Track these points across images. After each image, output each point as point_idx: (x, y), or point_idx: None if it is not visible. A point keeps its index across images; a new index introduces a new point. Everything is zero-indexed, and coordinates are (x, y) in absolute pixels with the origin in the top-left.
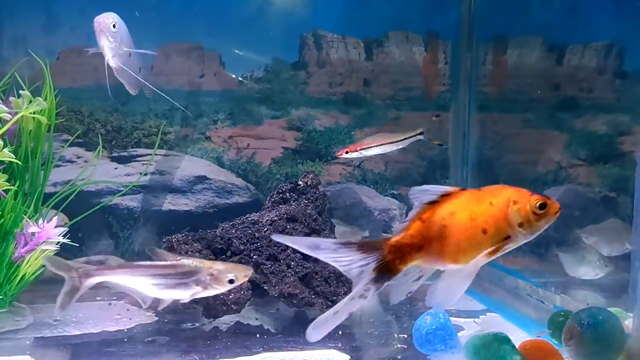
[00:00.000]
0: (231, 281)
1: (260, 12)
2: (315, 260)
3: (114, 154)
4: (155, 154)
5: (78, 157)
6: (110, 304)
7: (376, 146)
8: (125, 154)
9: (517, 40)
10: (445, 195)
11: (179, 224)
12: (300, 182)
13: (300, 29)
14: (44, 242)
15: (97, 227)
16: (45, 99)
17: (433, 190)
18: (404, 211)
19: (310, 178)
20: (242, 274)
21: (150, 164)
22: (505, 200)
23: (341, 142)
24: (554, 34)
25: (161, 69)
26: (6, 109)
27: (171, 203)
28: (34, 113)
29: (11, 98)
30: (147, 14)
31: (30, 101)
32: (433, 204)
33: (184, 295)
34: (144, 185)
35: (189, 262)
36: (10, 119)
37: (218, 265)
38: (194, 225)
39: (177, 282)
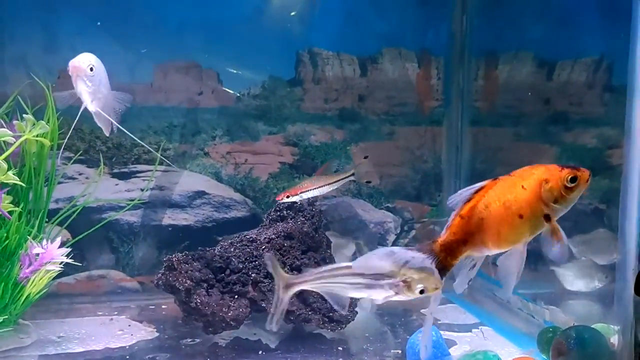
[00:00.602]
0: (422, 292)
1: (257, 31)
2: None
3: (115, 171)
4: (155, 170)
5: (80, 174)
6: (111, 319)
7: (314, 189)
8: (125, 170)
9: (508, 56)
10: (480, 189)
11: (179, 238)
12: (298, 201)
13: (296, 47)
14: (48, 262)
15: (98, 242)
16: (48, 122)
17: (468, 190)
18: (399, 224)
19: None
20: (432, 286)
21: (152, 179)
22: (537, 182)
23: (337, 157)
24: (544, 50)
25: (160, 87)
26: (10, 132)
27: (171, 218)
28: (37, 136)
29: (15, 122)
30: (145, 33)
31: (34, 124)
32: (470, 200)
33: (379, 296)
34: (144, 201)
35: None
36: (14, 142)
37: (412, 273)
38: (194, 239)
39: (373, 284)
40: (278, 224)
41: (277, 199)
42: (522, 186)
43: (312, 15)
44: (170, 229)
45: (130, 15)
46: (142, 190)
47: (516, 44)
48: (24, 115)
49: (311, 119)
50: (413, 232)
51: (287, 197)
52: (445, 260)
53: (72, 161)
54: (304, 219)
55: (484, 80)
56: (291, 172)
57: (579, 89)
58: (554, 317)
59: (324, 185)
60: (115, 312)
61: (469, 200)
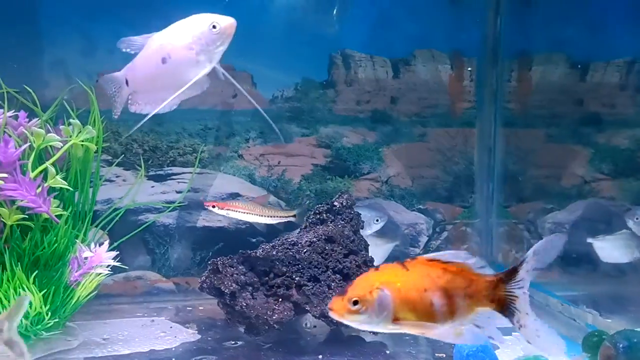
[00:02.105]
0: None
1: (290, 34)
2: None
3: (151, 173)
4: (189, 172)
5: (117, 177)
6: (152, 320)
7: (242, 212)
8: (161, 172)
9: (541, 57)
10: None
11: (213, 240)
12: (336, 203)
13: (329, 49)
14: (96, 265)
15: (135, 243)
16: (93, 126)
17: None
18: (431, 225)
19: (345, 199)
20: None
21: (191, 182)
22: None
23: (369, 159)
24: (577, 51)
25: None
26: (58, 137)
27: (205, 220)
28: (83, 140)
29: (61, 127)
30: None
31: (80, 129)
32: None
33: None
34: (183, 204)
35: None
36: (61, 147)
37: None
38: (227, 241)
39: None
40: (318, 227)
41: (205, 204)
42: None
43: (345, 18)
44: (204, 230)
45: (167, 20)
46: (182, 192)
47: (549, 45)
48: (70, 120)
49: (343, 121)
50: (445, 234)
51: (213, 207)
52: None
53: (114, 164)
54: (343, 222)
55: (517, 81)
56: (323, 174)
57: (611, 90)
58: (597, 320)
59: (254, 214)
60: (155, 314)
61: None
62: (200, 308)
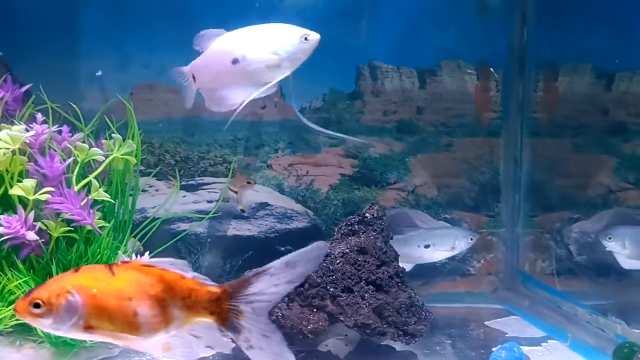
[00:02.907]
0: None
1: (318, 46)
2: (387, 291)
3: (182, 183)
4: (220, 182)
5: (150, 187)
6: None
7: None
8: (192, 182)
9: (567, 68)
10: None
11: (243, 248)
12: (367, 214)
13: (356, 61)
14: None
15: (167, 252)
16: (132, 139)
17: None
18: None
19: (375, 210)
20: None
21: (223, 193)
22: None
23: (395, 169)
24: (603, 62)
25: None
26: (100, 151)
27: (235, 229)
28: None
29: (103, 141)
30: None
31: (121, 143)
32: None
33: None
34: (209, 212)
35: None
36: (104, 160)
37: None
38: (257, 250)
39: None
40: (350, 238)
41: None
42: None
43: (372, 30)
44: (234, 239)
45: (198, 31)
46: (209, 202)
47: (575, 55)
48: (112, 135)
49: (370, 131)
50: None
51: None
52: None
53: (152, 174)
54: (374, 233)
55: (544, 92)
56: (351, 183)
57: (637, 100)
58: (626, 331)
59: None
60: None
61: None
62: None
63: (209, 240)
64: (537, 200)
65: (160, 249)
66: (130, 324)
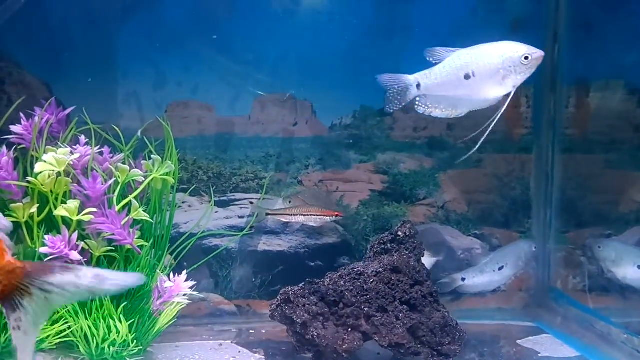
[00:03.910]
0: None
1: (349, 63)
2: (421, 311)
3: (215, 199)
4: (251, 198)
5: (183, 202)
6: (220, 344)
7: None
8: (224, 198)
9: (599, 84)
10: None
11: (273, 263)
12: (399, 233)
13: None
14: (177, 295)
15: (199, 267)
16: (170, 159)
17: None
18: (487, 250)
19: (408, 228)
20: None
21: (257, 209)
22: None
23: (425, 184)
24: (635, 78)
25: (258, 119)
26: (141, 172)
27: (266, 244)
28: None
29: (142, 162)
30: (245, 68)
31: (160, 164)
32: None
33: None
34: (241, 227)
35: None
36: (143, 180)
37: None
38: (287, 265)
39: None
40: (383, 256)
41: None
42: None
43: (402, 47)
44: (265, 254)
45: (232, 52)
46: (241, 217)
47: (607, 72)
48: (152, 156)
49: (401, 148)
50: None
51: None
52: None
53: (189, 191)
54: (407, 251)
55: (575, 108)
56: (381, 199)
57: None
58: None
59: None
60: (219, 336)
61: None
62: (262, 331)
63: (240, 255)
64: (568, 217)
65: (195, 266)
66: None
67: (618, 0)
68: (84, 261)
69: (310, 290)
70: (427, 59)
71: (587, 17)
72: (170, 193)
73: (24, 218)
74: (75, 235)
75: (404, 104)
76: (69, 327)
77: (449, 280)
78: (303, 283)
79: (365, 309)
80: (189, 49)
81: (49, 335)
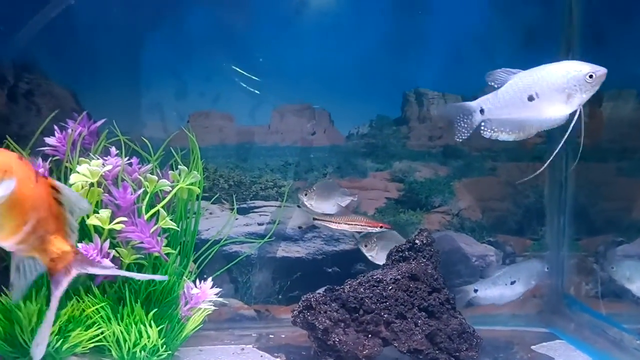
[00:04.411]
0: None
1: (366, 73)
2: (439, 318)
3: (235, 206)
4: (270, 206)
5: (204, 210)
6: (242, 348)
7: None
8: (244, 205)
9: (611, 94)
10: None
11: (291, 269)
12: (417, 241)
13: (403, 88)
14: (203, 301)
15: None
16: (196, 169)
17: None
18: (501, 257)
19: (425, 236)
20: None
21: (279, 215)
22: None
23: (440, 192)
24: None
25: (277, 128)
26: (168, 182)
27: (284, 250)
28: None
29: (169, 172)
30: (265, 80)
31: (186, 174)
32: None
33: None
34: (260, 234)
35: None
36: (170, 190)
37: None
38: (305, 271)
39: None
40: (401, 264)
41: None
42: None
43: (419, 57)
44: (283, 260)
45: (252, 63)
46: (260, 224)
47: (620, 82)
48: (179, 166)
49: (416, 156)
50: None
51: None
52: None
53: (212, 199)
54: (424, 259)
55: (588, 117)
56: (396, 206)
57: None
58: None
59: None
60: (240, 341)
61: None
62: (282, 336)
63: (259, 261)
64: (581, 224)
65: (220, 271)
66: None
67: (629, 11)
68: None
69: (332, 297)
70: (489, 83)
71: (599, 28)
72: (195, 201)
73: None
74: (107, 243)
75: (471, 131)
76: (102, 332)
77: (462, 292)
78: (324, 290)
79: (385, 316)
80: (210, 60)
81: (82, 340)
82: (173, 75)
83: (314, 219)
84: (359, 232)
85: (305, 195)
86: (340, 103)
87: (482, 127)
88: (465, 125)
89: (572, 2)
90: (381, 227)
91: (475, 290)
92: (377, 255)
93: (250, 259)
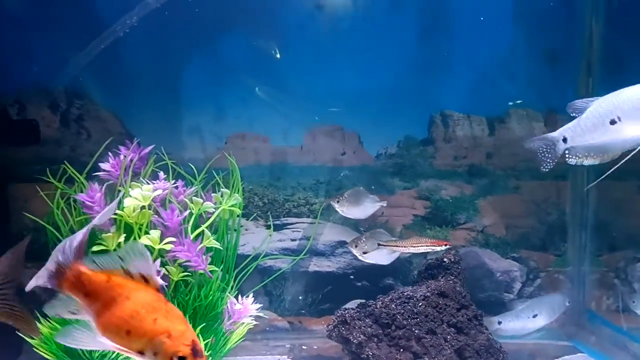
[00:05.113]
0: None
1: (394, 96)
2: (467, 334)
3: (269, 223)
4: (303, 222)
5: (240, 226)
6: (278, 359)
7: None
8: (278, 222)
9: None
10: (143, 278)
11: (322, 283)
12: (445, 259)
13: (430, 110)
14: (245, 316)
15: (255, 286)
16: (237, 191)
17: (143, 264)
18: (524, 273)
19: (452, 254)
20: None
21: (314, 232)
22: (164, 329)
23: (465, 210)
24: None
25: (309, 149)
26: (212, 204)
27: (316, 265)
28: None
29: (212, 194)
30: (297, 101)
31: (228, 197)
32: (130, 275)
33: None
34: (293, 249)
35: None
36: (214, 211)
37: None
38: (335, 284)
39: None
40: (430, 281)
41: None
42: (156, 319)
43: (444, 81)
44: (315, 275)
45: (285, 86)
46: (293, 240)
47: None
48: (221, 189)
49: (442, 175)
50: (538, 281)
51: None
52: (63, 279)
53: (250, 218)
54: (452, 277)
55: None
56: (423, 223)
57: None
58: None
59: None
60: (275, 352)
61: (129, 273)
62: (314, 347)
63: (292, 275)
64: (602, 240)
65: (257, 287)
66: None
67: None
68: (165, 285)
69: (365, 313)
70: (571, 113)
71: (618, 51)
72: (236, 224)
73: (112, 246)
74: (158, 262)
75: (556, 160)
76: None
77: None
78: (357, 305)
79: (416, 331)
80: (246, 85)
81: None
82: (211, 100)
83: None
84: (425, 253)
85: (337, 202)
86: (369, 125)
87: (567, 155)
88: (550, 155)
89: (592, 26)
90: (445, 245)
91: (499, 322)
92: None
93: (283, 273)
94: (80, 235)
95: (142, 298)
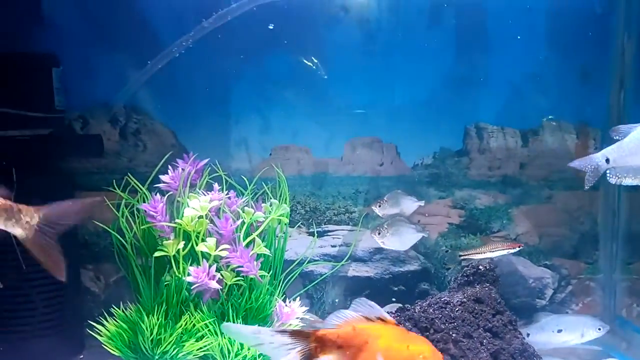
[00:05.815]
0: None
1: (430, 109)
2: (502, 338)
3: (310, 230)
4: (342, 230)
5: (282, 233)
6: None
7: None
8: (319, 229)
9: None
10: (380, 319)
11: (361, 287)
12: (480, 267)
13: (464, 122)
14: (293, 319)
15: (297, 289)
16: (285, 201)
17: (374, 310)
18: (556, 280)
19: (487, 262)
20: None
21: (355, 241)
22: (418, 351)
23: (499, 218)
24: None
25: (349, 159)
26: (262, 214)
27: (355, 270)
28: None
29: (262, 204)
30: (338, 116)
31: (277, 207)
32: (369, 320)
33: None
34: (333, 255)
35: None
36: (264, 221)
37: None
38: (373, 289)
39: None
40: (466, 287)
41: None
42: (408, 346)
43: (479, 94)
44: (354, 279)
45: (326, 100)
46: (333, 246)
47: None
48: (271, 200)
49: (477, 185)
50: (570, 288)
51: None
52: (314, 350)
53: (295, 226)
54: (487, 283)
55: None
56: (458, 231)
57: None
58: None
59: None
60: None
61: (368, 318)
62: None
63: (332, 279)
64: (633, 249)
65: (301, 291)
66: None
67: None
68: (220, 289)
69: (405, 317)
70: (614, 137)
71: None
72: (283, 232)
73: (172, 252)
74: (214, 267)
75: (597, 178)
76: (210, 344)
77: None
78: (395, 310)
79: (453, 335)
80: (289, 99)
81: (193, 349)
82: (258, 113)
83: (460, 255)
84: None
85: (379, 206)
86: (406, 136)
87: (608, 174)
88: (592, 174)
89: (625, 42)
90: (519, 246)
91: (528, 334)
92: (389, 241)
93: (324, 278)
94: None
95: (391, 333)
